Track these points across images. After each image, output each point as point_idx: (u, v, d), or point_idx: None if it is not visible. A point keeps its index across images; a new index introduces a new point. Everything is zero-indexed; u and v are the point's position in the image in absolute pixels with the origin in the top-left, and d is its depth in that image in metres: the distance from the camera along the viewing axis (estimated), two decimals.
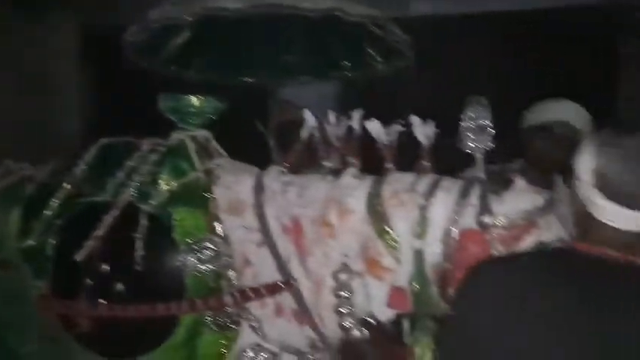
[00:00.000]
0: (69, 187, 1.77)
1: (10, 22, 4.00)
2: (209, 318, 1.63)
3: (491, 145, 1.44)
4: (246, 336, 1.62)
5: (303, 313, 1.56)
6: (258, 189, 1.66)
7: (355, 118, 1.62)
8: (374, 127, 1.56)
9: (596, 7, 3.23)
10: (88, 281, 1.66)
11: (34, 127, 3.96)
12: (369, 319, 1.55)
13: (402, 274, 1.42)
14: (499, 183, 1.37)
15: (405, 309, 1.44)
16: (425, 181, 1.46)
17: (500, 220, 1.30)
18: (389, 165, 1.55)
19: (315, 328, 1.54)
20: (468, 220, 1.35)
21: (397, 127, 1.56)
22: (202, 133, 1.82)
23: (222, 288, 1.63)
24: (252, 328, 1.61)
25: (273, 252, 1.60)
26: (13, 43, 3.99)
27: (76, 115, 4.45)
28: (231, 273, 1.64)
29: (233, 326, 1.63)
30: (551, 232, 1.29)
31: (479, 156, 1.44)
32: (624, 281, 1.00)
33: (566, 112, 2.05)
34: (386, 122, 1.59)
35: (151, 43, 2.58)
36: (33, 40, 4.11)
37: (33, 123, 3.96)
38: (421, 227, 1.40)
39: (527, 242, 1.31)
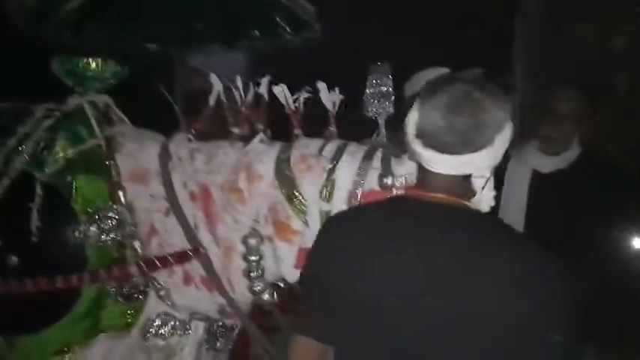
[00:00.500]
0: None
1: None
2: (113, 289, 1.58)
3: (392, 110, 1.50)
4: (154, 305, 1.59)
5: (213, 280, 1.55)
6: (164, 156, 1.62)
7: (263, 84, 1.62)
8: (281, 92, 1.57)
9: None
10: None
11: None
12: (278, 282, 1.58)
13: (310, 236, 1.45)
14: (400, 146, 1.44)
15: None
16: (331, 146, 1.49)
17: (399, 181, 1.36)
18: (297, 131, 1.57)
19: (224, 294, 1.54)
20: (371, 182, 1.40)
21: (305, 94, 1.58)
22: (102, 98, 1.73)
23: (126, 258, 1.58)
24: (160, 297, 1.58)
25: (180, 220, 1.57)
26: None
27: None
28: (136, 242, 1.60)
29: (139, 296, 1.60)
30: None
31: (381, 121, 1.50)
32: (448, 220, 1.11)
33: None
34: (296, 89, 1.61)
35: (41, 7, 2.38)
36: None
37: None
38: (328, 190, 1.44)
39: None
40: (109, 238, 1.58)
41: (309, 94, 1.59)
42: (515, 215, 2.16)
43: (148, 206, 1.61)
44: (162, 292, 1.58)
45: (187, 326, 1.60)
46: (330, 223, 1.25)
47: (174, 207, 1.58)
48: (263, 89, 1.61)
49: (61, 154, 1.60)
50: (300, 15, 2.37)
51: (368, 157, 1.43)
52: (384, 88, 1.52)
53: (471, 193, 1.13)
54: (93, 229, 1.57)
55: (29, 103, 1.72)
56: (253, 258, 1.50)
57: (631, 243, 2.25)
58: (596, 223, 1.99)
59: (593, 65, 3.00)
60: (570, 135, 2.15)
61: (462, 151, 1.07)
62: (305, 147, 1.51)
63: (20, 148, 1.59)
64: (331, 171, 1.45)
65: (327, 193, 1.44)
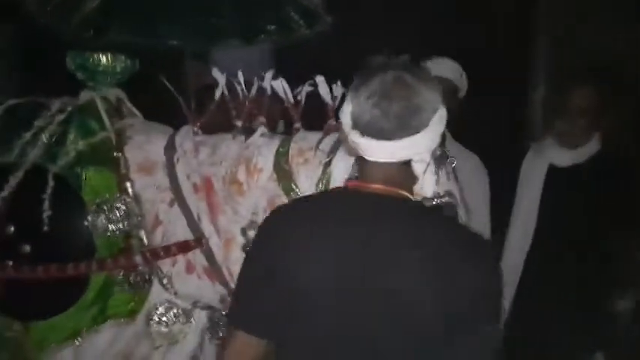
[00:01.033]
0: None
1: None
2: (120, 277, 1.63)
3: None
4: (158, 293, 1.63)
5: (214, 270, 1.59)
6: (170, 149, 1.66)
7: (267, 78, 1.64)
8: (281, 86, 1.58)
9: None
10: None
11: None
12: None
13: None
14: None
15: None
16: (329, 140, 1.50)
17: None
18: (297, 124, 1.58)
19: (225, 283, 1.58)
20: None
21: (306, 88, 1.59)
22: (114, 92, 1.79)
23: (132, 247, 1.63)
24: (163, 285, 1.63)
25: (184, 211, 1.61)
26: None
27: None
28: (142, 232, 1.64)
29: (145, 285, 1.65)
30: None
31: None
32: (384, 211, 1.10)
33: (445, 69, 2.17)
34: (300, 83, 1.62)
35: (63, 4, 2.47)
36: None
37: None
38: (324, 183, 1.45)
39: None
40: (116, 228, 1.63)
41: (311, 87, 1.60)
42: (528, 208, 2.13)
43: (154, 197, 1.65)
44: (165, 281, 1.62)
45: (190, 315, 1.64)
46: (273, 212, 1.26)
47: (178, 198, 1.62)
48: (266, 83, 1.63)
49: (72, 147, 1.66)
50: (312, 8, 2.38)
51: None
52: None
53: (413, 180, 1.13)
54: (101, 219, 1.63)
55: (47, 97, 1.80)
56: None
57: None
58: (609, 219, 1.94)
59: (614, 59, 2.90)
60: (587, 129, 2.09)
61: (399, 136, 1.07)
62: (303, 140, 1.53)
63: (35, 142, 1.66)
64: (327, 164, 1.46)
65: (324, 187, 1.45)
